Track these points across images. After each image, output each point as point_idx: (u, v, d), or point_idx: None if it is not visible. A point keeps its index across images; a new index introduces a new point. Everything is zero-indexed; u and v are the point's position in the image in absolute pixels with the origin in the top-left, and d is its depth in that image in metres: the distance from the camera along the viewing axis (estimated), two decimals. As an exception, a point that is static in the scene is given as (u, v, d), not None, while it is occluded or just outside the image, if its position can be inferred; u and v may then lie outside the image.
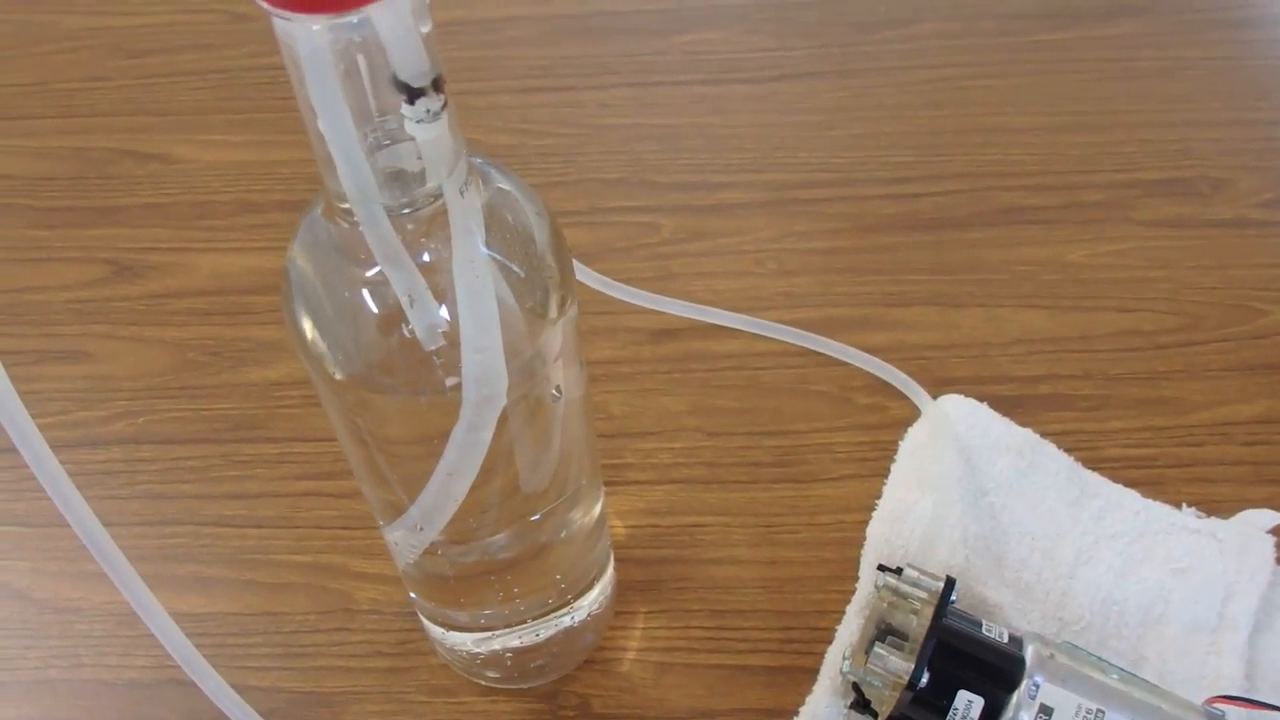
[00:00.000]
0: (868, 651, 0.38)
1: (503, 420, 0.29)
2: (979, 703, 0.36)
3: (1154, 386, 0.50)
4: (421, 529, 0.32)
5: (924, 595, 0.38)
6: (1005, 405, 0.47)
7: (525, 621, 0.38)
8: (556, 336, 0.30)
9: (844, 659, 0.40)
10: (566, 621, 0.40)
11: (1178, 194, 0.57)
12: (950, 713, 0.36)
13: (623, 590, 0.44)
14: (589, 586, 0.40)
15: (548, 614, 0.39)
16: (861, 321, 0.53)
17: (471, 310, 0.27)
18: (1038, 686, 0.36)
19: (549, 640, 0.40)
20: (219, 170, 0.61)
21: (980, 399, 0.47)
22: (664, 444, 0.49)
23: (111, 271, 0.56)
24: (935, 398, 0.49)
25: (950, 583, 0.38)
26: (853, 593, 0.43)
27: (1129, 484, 0.45)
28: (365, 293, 0.28)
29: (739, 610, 0.44)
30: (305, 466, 0.49)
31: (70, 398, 0.52)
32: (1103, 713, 0.35)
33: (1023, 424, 0.46)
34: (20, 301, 0.56)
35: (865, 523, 0.45)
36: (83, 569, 0.46)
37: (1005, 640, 0.37)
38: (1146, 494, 0.45)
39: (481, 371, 0.27)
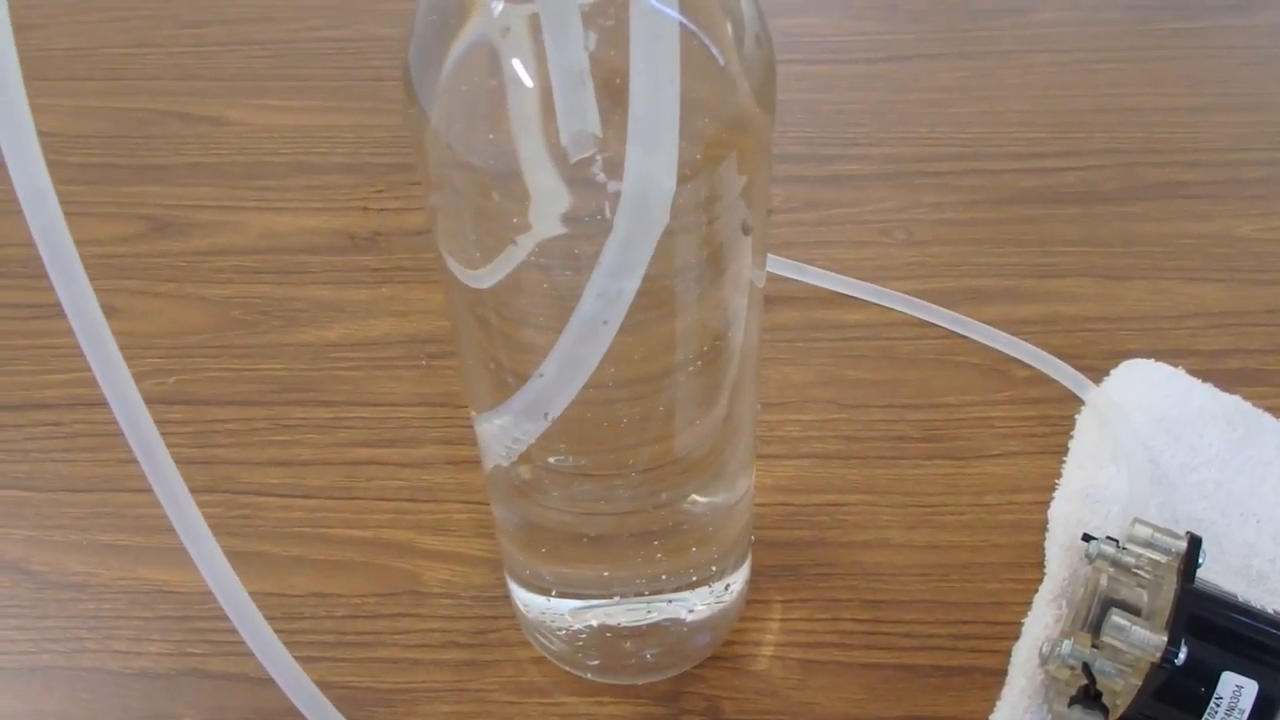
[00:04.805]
0: (1092, 630, 0.30)
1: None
2: (1251, 688, 0.27)
3: (1362, 364, 0.42)
4: (526, 422, 0.25)
5: (1161, 559, 0.30)
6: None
7: (662, 591, 0.30)
8: (748, 159, 0.23)
9: (1043, 650, 0.31)
10: (702, 599, 0.32)
11: (1351, 172, 0.51)
12: (1212, 703, 0.28)
13: (752, 575, 0.36)
14: (739, 561, 0.32)
15: (691, 587, 0.31)
16: (1009, 293, 0.46)
17: (647, 89, 0.20)
18: (1332, 669, 0.27)
19: (677, 622, 0.32)
20: (275, 133, 0.55)
21: (1165, 370, 0.40)
22: (791, 416, 0.41)
23: (150, 228, 0.50)
24: (1109, 370, 0.41)
25: (1195, 541, 0.30)
26: (1039, 581, 0.35)
27: (1359, 465, 0.37)
28: (521, 75, 0.21)
29: (898, 601, 0.36)
30: (365, 433, 0.41)
31: (93, 357, 0.44)
32: None
33: (1221, 397, 0.39)
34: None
35: (1043, 504, 0.38)
36: (93, 540, 0.38)
37: (1272, 612, 0.29)
38: (1385, 475, 0.37)
39: (643, 173, 0.20)
